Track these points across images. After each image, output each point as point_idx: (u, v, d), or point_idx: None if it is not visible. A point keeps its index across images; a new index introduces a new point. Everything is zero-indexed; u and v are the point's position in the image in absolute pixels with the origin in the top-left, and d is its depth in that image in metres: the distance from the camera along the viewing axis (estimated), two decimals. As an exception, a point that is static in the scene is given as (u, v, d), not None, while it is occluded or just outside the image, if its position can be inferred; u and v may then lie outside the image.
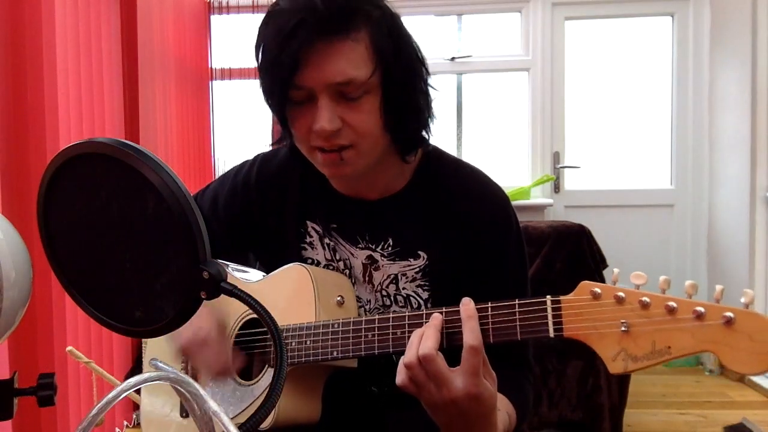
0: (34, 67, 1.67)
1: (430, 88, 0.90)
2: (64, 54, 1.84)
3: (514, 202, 0.98)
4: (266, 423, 0.84)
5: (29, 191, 1.61)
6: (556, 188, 3.53)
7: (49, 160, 0.49)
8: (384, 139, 0.86)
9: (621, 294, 0.68)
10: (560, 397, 2.04)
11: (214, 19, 3.43)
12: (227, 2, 3.41)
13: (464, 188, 0.93)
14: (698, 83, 3.42)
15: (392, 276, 0.94)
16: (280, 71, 0.79)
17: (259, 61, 0.84)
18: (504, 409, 0.84)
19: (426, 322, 0.78)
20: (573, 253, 2.02)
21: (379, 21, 0.82)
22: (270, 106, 0.87)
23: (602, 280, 0.75)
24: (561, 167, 3.53)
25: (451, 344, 0.75)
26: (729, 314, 0.63)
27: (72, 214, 0.50)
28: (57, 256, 0.51)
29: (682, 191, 3.48)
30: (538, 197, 3.45)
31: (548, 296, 0.73)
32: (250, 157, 1.07)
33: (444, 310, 0.77)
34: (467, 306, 0.75)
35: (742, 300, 0.64)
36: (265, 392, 0.88)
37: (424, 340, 0.73)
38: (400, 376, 0.74)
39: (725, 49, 3.20)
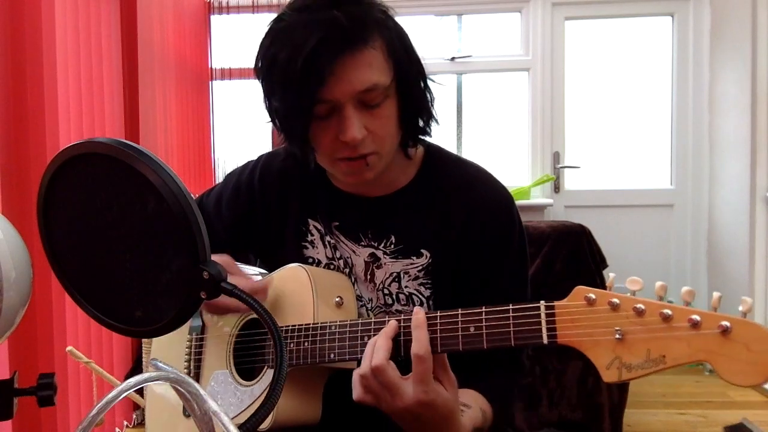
0: (34, 67, 1.67)
1: (431, 84, 0.92)
2: (64, 54, 1.84)
3: None
4: (265, 423, 0.84)
5: (29, 191, 1.61)
6: (556, 188, 3.53)
7: (49, 160, 0.49)
8: (398, 140, 0.89)
9: (615, 300, 0.67)
10: (560, 397, 2.04)
11: (214, 19, 3.42)
12: (227, 2, 3.41)
13: (467, 186, 0.94)
14: (698, 83, 3.42)
15: (395, 274, 0.94)
16: (306, 88, 0.79)
17: (271, 79, 0.83)
18: (477, 405, 0.85)
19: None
20: (573, 253, 2.01)
21: (389, 26, 0.84)
22: (289, 124, 0.86)
23: (602, 280, 0.75)
24: (561, 167, 3.53)
25: (408, 354, 0.75)
26: (725, 323, 0.61)
27: (72, 214, 0.50)
28: (57, 256, 0.51)
29: (682, 191, 3.48)
30: (538, 197, 3.45)
31: (542, 302, 0.71)
32: (254, 157, 1.08)
33: (402, 317, 0.78)
34: (417, 315, 0.75)
35: (740, 308, 0.62)
36: (265, 392, 0.88)
37: (376, 351, 0.74)
38: (356, 390, 0.76)
39: (725, 49, 3.20)
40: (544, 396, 2.04)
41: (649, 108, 3.55)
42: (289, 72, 0.79)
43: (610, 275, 0.70)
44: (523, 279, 0.96)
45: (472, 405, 0.84)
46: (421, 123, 0.91)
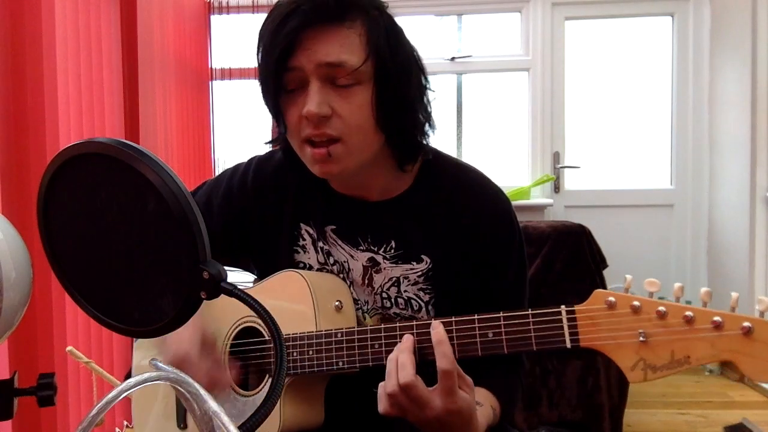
0: (34, 67, 1.67)
1: (429, 99, 0.91)
2: (64, 54, 1.84)
3: (514, 202, 0.98)
4: (273, 430, 0.84)
5: (29, 191, 1.61)
6: (556, 188, 3.53)
7: (49, 160, 0.49)
8: (376, 139, 0.86)
9: (637, 303, 0.69)
10: (560, 397, 2.04)
11: (214, 19, 3.42)
12: (227, 2, 3.41)
13: (467, 193, 0.93)
14: (698, 83, 3.42)
15: (394, 279, 0.93)
16: (274, 54, 0.81)
17: (258, 54, 0.86)
18: (488, 403, 0.87)
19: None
20: (573, 253, 2.02)
21: (377, 18, 0.84)
22: (265, 97, 0.87)
23: (602, 280, 0.76)
24: (561, 167, 3.53)
25: (423, 359, 0.77)
26: (747, 324, 0.64)
27: (72, 214, 0.50)
28: (57, 257, 0.51)
29: (682, 191, 3.48)
30: (538, 197, 3.45)
31: (563, 306, 0.73)
32: (245, 159, 1.06)
33: (414, 324, 0.79)
34: (437, 330, 0.77)
35: (757, 307, 0.65)
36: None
37: (401, 368, 0.75)
38: (383, 405, 0.76)
39: (725, 49, 3.20)
40: (544, 396, 2.04)
41: (649, 108, 3.55)
42: (265, 40, 0.83)
43: (627, 277, 0.72)
44: (522, 283, 0.96)
45: (484, 403, 0.85)
46: (405, 128, 0.88)
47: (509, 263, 0.93)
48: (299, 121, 0.84)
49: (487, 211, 0.92)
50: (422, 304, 0.93)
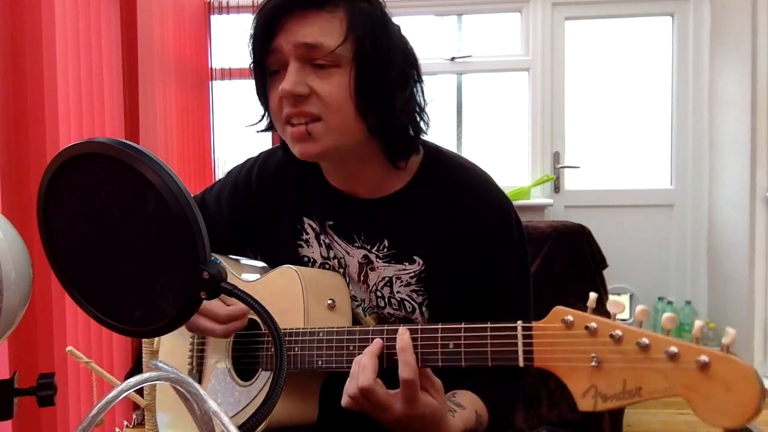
0: (34, 67, 1.67)
1: (417, 92, 0.90)
2: (64, 54, 1.84)
3: (514, 202, 0.95)
4: (259, 427, 0.84)
5: (29, 191, 1.61)
6: (556, 188, 3.53)
7: (49, 160, 0.49)
8: (357, 126, 0.85)
9: (593, 325, 0.63)
10: (560, 397, 2.04)
11: (214, 19, 3.42)
12: (227, 2, 3.41)
13: (467, 192, 0.91)
14: (698, 83, 3.42)
15: (387, 278, 0.92)
16: (257, 38, 0.85)
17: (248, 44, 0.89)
18: (471, 407, 0.86)
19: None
20: (573, 253, 2.01)
21: (362, 9, 0.85)
22: (255, 84, 0.91)
23: (602, 280, 0.74)
24: (561, 167, 3.53)
25: (391, 365, 0.76)
26: (704, 358, 0.56)
27: (72, 214, 0.50)
28: (57, 256, 0.51)
29: (682, 191, 3.48)
30: (538, 197, 3.45)
31: (519, 322, 0.69)
32: (254, 154, 1.08)
33: (385, 328, 0.79)
34: (401, 337, 0.75)
35: (724, 341, 0.57)
36: (260, 394, 0.88)
37: (362, 371, 0.74)
38: (344, 401, 0.77)
39: (725, 49, 3.20)
40: (544, 396, 2.04)
41: (649, 108, 3.55)
42: (252, 29, 0.87)
43: (591, 295, 0.65)
44: (524, 284, 0.94)
45: (467, 407, 0.85)
46: (385, 117, 0.86)
47: (509, 263, 0.91)
48: (280, 102, 0.85)
49: (488, 212, 0.90)
50: (415, 306, 0.92)
